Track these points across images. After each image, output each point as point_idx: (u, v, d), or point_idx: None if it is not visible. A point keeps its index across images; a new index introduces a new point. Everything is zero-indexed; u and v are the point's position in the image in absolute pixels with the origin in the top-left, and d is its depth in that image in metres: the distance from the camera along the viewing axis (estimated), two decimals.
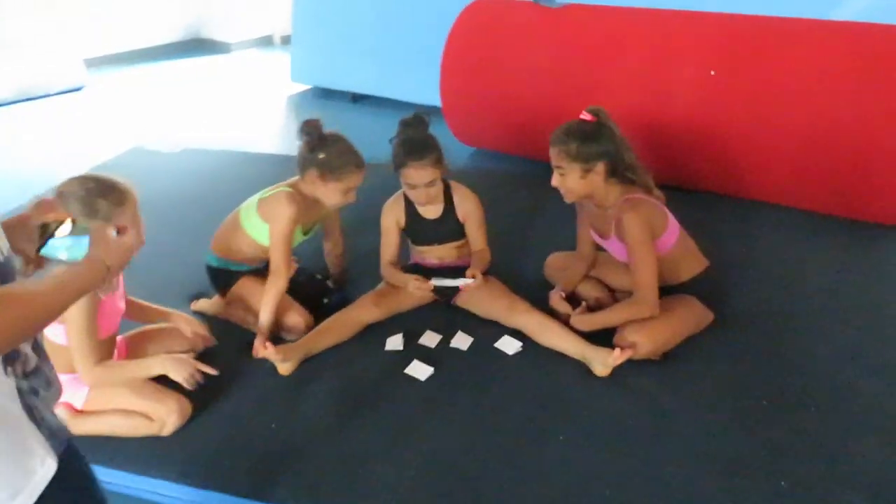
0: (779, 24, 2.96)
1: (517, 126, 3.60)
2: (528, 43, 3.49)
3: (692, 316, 2.16)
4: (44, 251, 1.10)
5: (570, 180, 2.07)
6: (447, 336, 2.24)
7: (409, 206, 2.33)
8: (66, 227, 1.12)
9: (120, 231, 1.14)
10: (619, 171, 2.07)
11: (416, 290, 2.18)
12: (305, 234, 2.35)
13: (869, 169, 2.69)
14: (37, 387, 0.98)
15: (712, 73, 2.90)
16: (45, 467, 0.96)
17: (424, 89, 4.23)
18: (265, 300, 2.16)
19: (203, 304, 2.45)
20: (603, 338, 2.10)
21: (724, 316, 2.24)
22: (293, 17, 5.33)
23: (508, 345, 2.18)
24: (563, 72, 3.33)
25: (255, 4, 6.98)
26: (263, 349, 2.04)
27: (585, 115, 2.08)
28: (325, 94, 5.37)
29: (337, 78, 5.21)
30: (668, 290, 2.16)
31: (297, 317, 2.25)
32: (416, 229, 2.38)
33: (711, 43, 3.00)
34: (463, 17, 3.72)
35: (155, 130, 4.60)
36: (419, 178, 2.19)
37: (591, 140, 2.03)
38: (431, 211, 2.34)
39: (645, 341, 2.03)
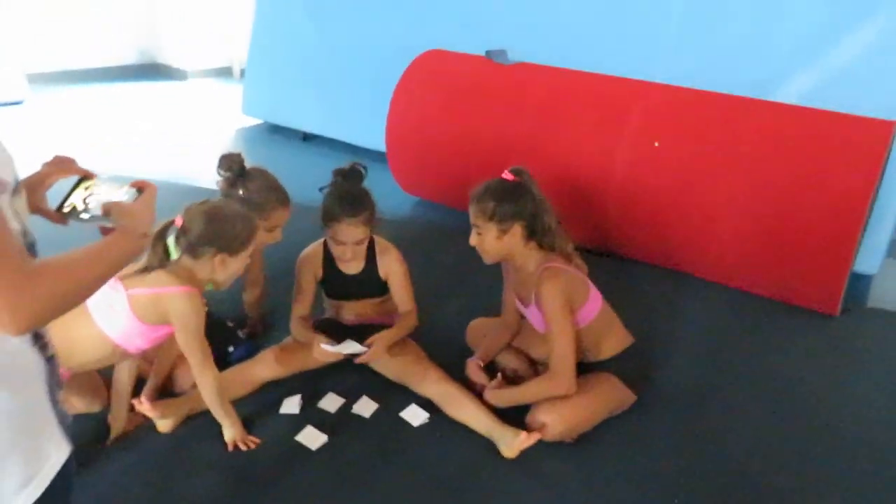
0: (724, 100, 2.94)
1: (460, 179, 3.45)
2: (476, 97, 3.43)
3: (611, 397, 2.04)
4: (66, 210, 1.07)
5: (486, 240, 1.98)
6: (351, 400, 2.08)
7: (329, 258, 2.19)
8: (87, 185, 1.10)
9: (142, 191, 1.08)
10: (537, 235, 1.97)
11: (320, 357, 2.03)
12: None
13: (801, 254, 2.64)
14: (53, 372, 0.97)
15: (656, 144, 2.85)
16: (60, 453, 0.97)
17: (373, 134, 4.14)
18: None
19: None
20: (518, 415, 1.96)
21: (645, 397, 2.12)
22: (250, 51, 5.23)
23: (414, 415, 2.02)
24: (510, 128, 3.27)
25: (216, 34, 6.87)
26: (139, 403, 1.85)
27: (507, 175, 1.98)
28: (276, 130, 5.25)
29: (288, 115, 5.11)
30: (587, 367, 2.04)
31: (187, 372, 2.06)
32: (334, 283, 2.23)
33: (656, 112, 2.97)
34: (414, 66, 3.65)
35: (90, 154, 4.39)
36: (349, 236, 2.05)
37: (509, 200, 1.93)
38: (352, 266, 2.20)
39: (557, 422, 1.90)
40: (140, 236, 1.02)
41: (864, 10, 3.11)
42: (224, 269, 1.79)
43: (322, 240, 2.21)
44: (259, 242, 2.01)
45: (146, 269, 1.74)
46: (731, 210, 2.75)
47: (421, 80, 3.61)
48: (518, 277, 2.08)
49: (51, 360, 0.96)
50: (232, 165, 2.10)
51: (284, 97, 5.06)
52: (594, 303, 2.02)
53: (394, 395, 2.11)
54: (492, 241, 1.96)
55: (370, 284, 2.23)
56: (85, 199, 1.08)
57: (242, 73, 6.94)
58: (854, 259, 2.79)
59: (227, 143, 5.08)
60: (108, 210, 1.04)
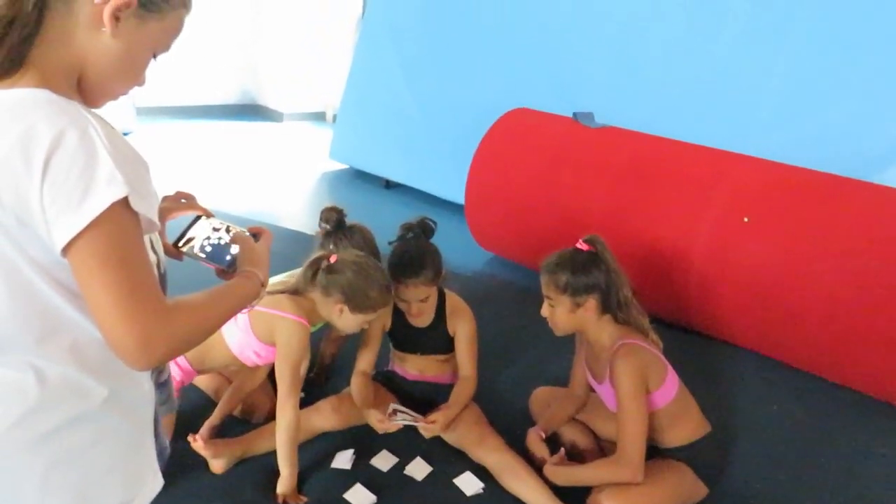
0: (823, 179, 2.79)
1: (537, 239, 3.45)
2: (560, 158, 3.39)
3: (681, 489, 1.89)
4: (184, 247, 1.11)
5: (558, 313, 1.91)
6: (404, 460, 2.02)
7: (398, 309, 2.17)
8: (205, 224, 1.14)
9: (258, 236, 1.12)
10: (611, 308, 1.88)
11: (378, 426, 1.99)
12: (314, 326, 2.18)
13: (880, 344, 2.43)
14: (162, 398, 1.01)
15: (745, 219, 2.72)
16: (155, 482, 0.99)
17: (454, 186, 4.17)
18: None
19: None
20: (578, 495, 1.85)
21: (719, 489, 1.96)
22: (343, 98, 5.41)
23: (468, 484, 1.94)
24: (591, 192, 3.20)
25: (314, 79, 7.15)
26: (193, 440, 1.85)
27: (581, 245, 1.92)
28: (360, 176, 5.36)
29: (373, 162, 5.21)
30: (658, 453, 1.91)
31: (263, 397, 2.08)
32: (402, 335, 2.21)
33: (747, 187, 2.84)
34: (500, 122, 3.66)
35: (181, 185, 4.59)
36: (411, 296, 2.03)
37: (583, 272, 1.86)
38: (421, 319, 2.16)
39: None
40: (259, 283, 1.04)
41: None
42: (339, 319, 1.89)
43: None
44: (351, 331, 2.00)
45: (293, 292, 1.88)
46: (824, 297, 2.57)
47: (506, 136, 3.61)
48: (591, 351, 1.99)
49: (163, 386, 1.01)
50: (330, 219, 2.13)
51: (371, 144, 5.18)
52: (671, 384, 1.91)
53: (449, 459, 2.04)
54: (564, 313, 1.90)
55: (437, 340, 2.19)
56: (206, 239, 1.12)
57: (335, 118, 7.20)
58: None
59: (313, 185, 5.22)
60: (240, 247, 1.08)
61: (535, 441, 2.05)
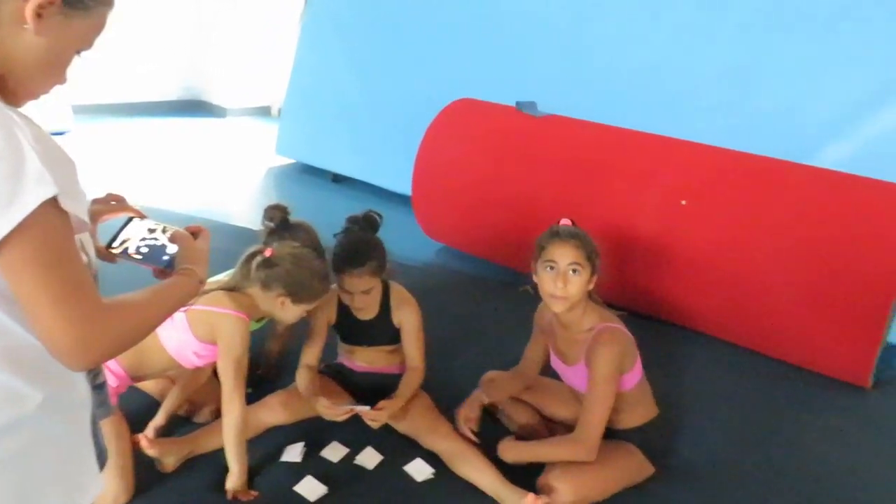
0: (758, 162, 2.88)
1: (484, 228, 3.49)
2: (504, 147, 3.43)
3: (629, 469, 1.94)
4: (118, 249, 1.09)
5: (579, 283, 1.85)
6: (355, 450, 2.02)
7: (343, 302, 2.17)
8: (139, 225, 1.12)
9: (196, 235, 1.12)
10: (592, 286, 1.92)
11: (325, 413, 1.99)
12: (258, 321, 2.15)
13: (832, 323, 2.54)
14: (99, 401, 0.99)
15: (683, 202, 2.80)
16: (95, 485, 0.98)
17: (402, 178, 4.17)
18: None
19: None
20: (528, 477, 1.89)
21: (664, 468, 2.02)
22: (287, 92, 5.35)
23: (418, 470, 1.96)
24: (536, 180, 3.25)
25: (257, 74, 7.04)
26: (138, 440, 1.83)
27: (567, 221, 1.94)
28: (308, 171, 5.31)
29: (320, 156, 5.17)
30: (608, 434, 1.93)
31: (207, 395, 2.07)
32: (348, 328, 2.20)
33: (686, 171, 2.92)
34: (444, 114, 3.68)
35: (122, 185, 4.48)
36: (354, 287, 2.03)
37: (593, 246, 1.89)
38: (366, 312, 2.16)
39: (569, 490, 1.81)
40: (198, 282, 1.04)
41: None
42: (282, 311, 1.87)
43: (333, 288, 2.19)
44: (292, 321, 1.99)
45: (230, 288, 1.86)
46: (761, 275, 2.67)
47: (450, 127, 3.63)
48: (564, 333, 1.98)
49: (99, 389, 0.99)
50: (274, 217, 2.11)
51: (318, 139, 5.14)
52: (639, 368, 1.96)
53: (400, 447, 2.05)
54: (583, 285, 1.86)
55: (383, 332, 2.19)
56: (142, 239, 1.10)
57: (280, 112, 7.11)
58: (888, 330, 2.68)
59: (259, 181, 5.16)
60: (179, 247, 1.07)
61: (472, 404, 2.09)
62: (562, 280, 1.84)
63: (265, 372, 2.37)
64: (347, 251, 2.02)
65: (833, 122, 3.24)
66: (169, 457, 1.87)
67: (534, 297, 3.23)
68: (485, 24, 4.23)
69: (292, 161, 5.49)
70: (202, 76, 7.10)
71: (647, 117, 3.41)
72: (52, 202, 0.78)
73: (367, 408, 1.99)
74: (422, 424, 2.07)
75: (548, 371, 2.17)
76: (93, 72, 6.19)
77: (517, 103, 3.51)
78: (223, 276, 2.11)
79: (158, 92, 6.91)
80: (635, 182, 2.98)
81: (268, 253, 1.84)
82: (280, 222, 2.11)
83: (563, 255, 1.85)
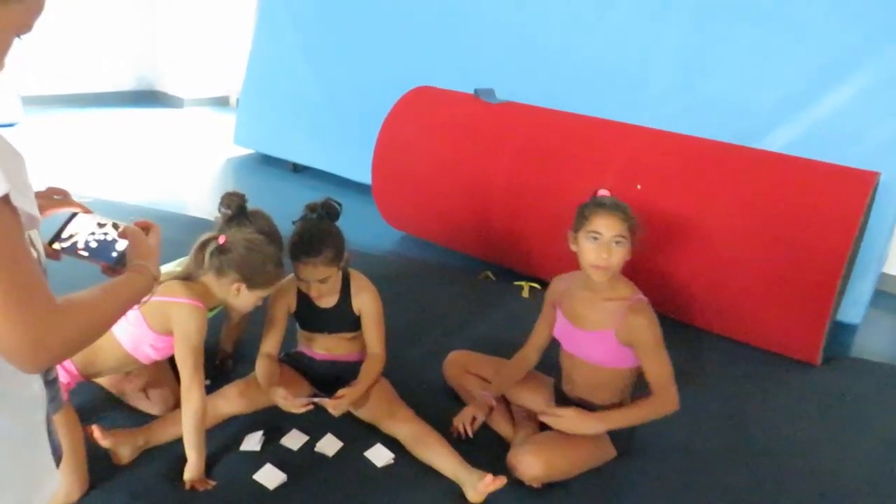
0: (707, 146, 2.95)
1: (443, 216, 3.51)
2: (462, 134, 3.44)
3: (596, 451, 1.97)
4: (60, 245, 1.06)
5: (621, 254, 1.87)
6: (315, 437, 2.02)
7: (303, 290, 2.16)
8: (86, 220, 1.10)
9: (146, 231, 1.11)
10: None
11: (282, 404, 1.97)
12: (211, 310, 2.14)
13: (782, 302, 2.62)
14: (50, 395, 0.97)
15: (638, 187, 2.84)
16: (52, 481, 0.97)
17: (362, 167, 4.16)
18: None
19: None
20: (487, 459, 1.92)
21: (628, 449, 2.06)
22: (244, 82, 5.28)
23: (379, 455, 1.97)
24: (493, 166, 3.26)
25: (215, 63, 6.93)
26: (91, 431, 1.80)
27: (606, 191, 1.97)
28: (266, 161, 5.27)
29: (279, 146, 5.13)
30: (585, 409, 1.96)
31: (162, 391, 2.04)
32: (307, 315, 2.19)
33: (640, 156, 2.96)
34: (402, 101, 3.67)
35: (75, 177, 4.39)
36: (310, 276, 2.01)
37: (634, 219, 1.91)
38: (326, 300, 2.16)
39: (537, 465, 1.85)
40: (152, 278, 1.03)
41: (849, 63, 3.15)
42: (237, 298, 1.86)
43: (291, 276, 2.17)
44: (247, 309, 1.97)
45: (184, 277, 1.83)
46: (713, 257, 2.73)
47: (408, 115, 3.63)
48: (592, 298, 1.95)
49: (51, 384, 0.96)
50: (231, 204, 2.07)
51: (276, 128, 5.09)
52: None
53: (360, 433, 2.06)
54: (625, 255, 1.88)
55: (343, 319, 2.19)
56: (90, 235, 1.08)
57: (238, 102, 7.01)
58: (836, 308, 2.77)
59: (217, 172, 5.09)
60: (129, 242, 1.06)
61: (482, 406, 2.10)
62: (606, 251, 1.84)
63: (222, 363, 2.36)
64: (303, 239, 2.00)
65: (780, 106, 3.33)
66: (124, 448, 1.84)
67: (494, 283, 3.30)
68: (442, 13, 4.23)
69: (251, 151, 5.43)
70: (158, 65, 6.96)
71: (602, 103, 3.46)
72: (3, 199, 0.76)
73: (325, 398, 1.99)
74: (381, 410, 2.08)
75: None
76: (43, 61, 6.04)
77: (475, 90, 3.52)
78: (175, 265, 2.08)
79: (112, 82, 6.75)
80: (590, 168, 3.02)
81: (221, 240, 1.82)
82: (237, 209, 2.08)
83: (609, 227, 1.86)
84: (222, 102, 7.18)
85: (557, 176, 3.08)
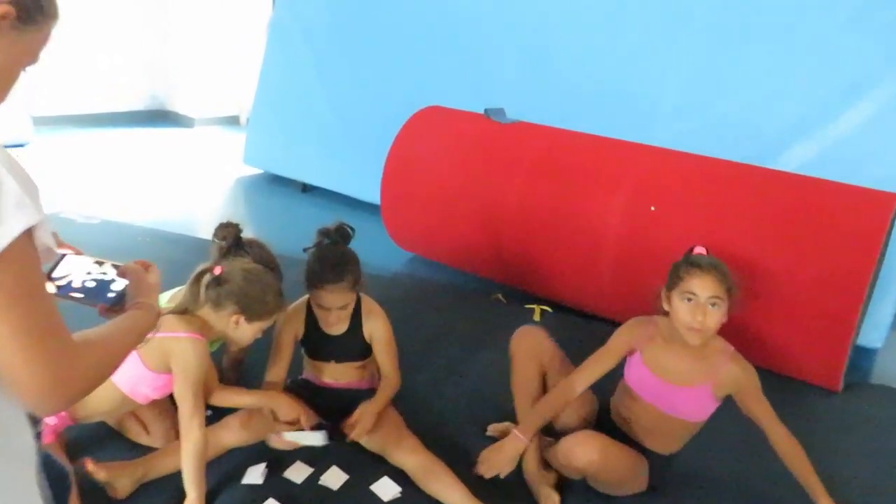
0: (723, 166, 2.88)
1: (453, 236, 3.45)
2: (472, 154, 3.39)
3: (637, 472, 1.90)
4: (56, 285, 1.03)
5: (717, 317, 1.75)
6: (319, 470, 1.96)
7: (311, 317, 2.10)
8: (80, 261, 1.07)
9: (146, 270, 1.10)
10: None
11: (274, 445, 1.92)
12: (211, 344, 2.08)
13: (802, 327, 2.54)
14: (36, 433, 0.94)
15: (652, 208, 2.78)
16: None
17: (372, 187, 4.12)
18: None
19: None
20: (496, 491, 1.85)
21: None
22: (255, 101, 5.27)
23: (385, 489, 1.90)
24: (504, 187, 3.21)
25: (225, 83, 6.95)
26: (87, 464, 1.75)
27: (702, 249, 1.85)
28: (276, 181, 5.25)
29: (289, 166, 5.10)
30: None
31: (163, 425, 1.98)
32: (315, 343, 2.13)
33: (653, 176, 2.90)
34: (412, 121, 3.63)
35: (83, 197, 4.38)
36: (332, 302, 1.96)
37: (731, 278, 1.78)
38: (336, 327, 2.09)
39: (594, 448, 1.77)
40: (156, 315, 1.02)
41: (866, 81, 3.09)
42: (236, 330, 1.80)
43: (305, 297, 2.11)
44: (247, 342, 1.91)
45: (181, 312, 1.78)
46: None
47: (418, 135, 3.59)
48: (682, 352, 1.83)
49: (37, 438, 0.93)
50: (227, 236, 2.03)
51: (286, 148, 5.07)
52: None
53: (365, 465, 1.99)
54: (722, 317, 1.77)
55: (353, 346, 2.13)
56: (87, 274, 1.05)
57: (248, 121, 7.02)
58: (857, 333, 2.68)
59: (226, 192, 5.07)
60: (129, 280, 1.05)
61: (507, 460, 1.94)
62: (701, 313, 1.74)
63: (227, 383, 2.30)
64: (325, 265, 1.95)
65: (795, 125, 3.26)
66: (120, 480, 1.79)
67: (505, 306, 3.23)
68: (453, 32, 4.20)
69: (260, 171, 5.42)
70: (168, 85, 6.99)
71: (615, 123, 3.41)
72: (28, 232, 0.74)
73: (320, 438, 1.92)
74: (389, 439, 2.01)
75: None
76: (53, 81, 6.07)
77: (485, 110, 3.49)
78: (166, 301, 2.04)
79: (122, 102, 6.79)
80: (603, 188, 2.96)
81: (217, 270, 1.77)
82: (233, 240, 2.04)
83: (704, 288, 1.75)
84: (233, 122, 7.19)
85: (570, 196, 3.03)
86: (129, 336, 0.94)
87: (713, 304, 1.74)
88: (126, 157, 5.67)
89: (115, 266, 1.07)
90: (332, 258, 1.96)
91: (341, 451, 2.01)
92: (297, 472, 1.94)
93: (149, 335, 0.99)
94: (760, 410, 1.81)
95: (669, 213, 2.77)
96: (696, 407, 1.84)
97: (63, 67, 6.13)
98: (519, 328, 2.16)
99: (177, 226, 3.93)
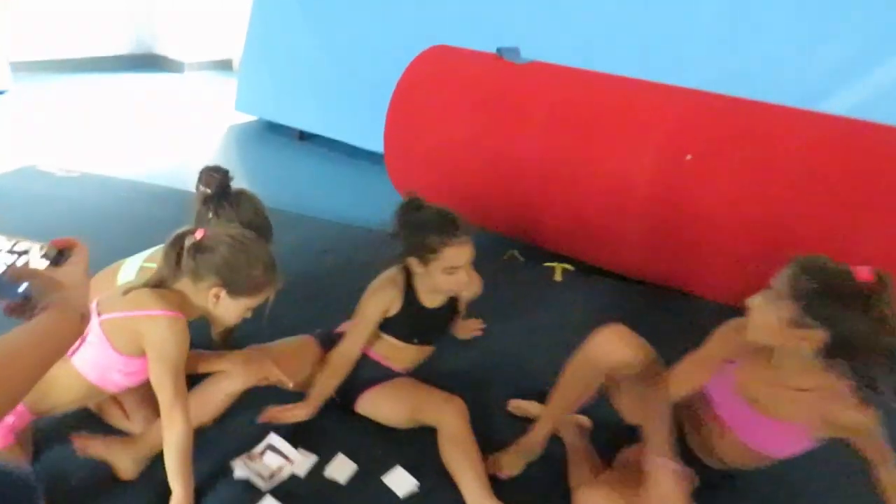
0: (765, 110, 2.59)
1: (465, 189, 3.17)
2: (484, 98, 3.08)
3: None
4: None
5: (770, 316, 1.38)
6: (324, 458, 1.73)
7: (411, 290, 1.84)
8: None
9: (65, 253, 0.85)
10: (836, 356, 1.35)
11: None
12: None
13: None
14: None
15: (688, 157, 2.49)
16: None
17: (375, 135, 3.84)
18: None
19: None
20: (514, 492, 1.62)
21: None
22: (245, 44, 4.93)
23: (400, 482, 1.67)
24: (520, 135, 2.92)
25: (217, 24, 6.55)
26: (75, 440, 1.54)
27: (864, 271, 1.30)
28: (271, 128, 4.95)
29: (285, 112, 4.79)
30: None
31: (144, 410, 1.73)
32: (410, 320, 1.85)
33: (688, 122, 2.61)
34: (416, 63, 3.31)
35: (63, 148, 4.08)
36: (467, 256, 1.70)
37: (836, 304, 1.30)
38: (436, 298, 1.86)
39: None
40: (79, 317, 0.81)
41: None
42: (217, 308, 1.53)
43: (396, 269, 1.84)
44: (232, 322, 1.59)
45: (155, 285, 1.50)
46: (772, 234, 2.39)
47: (424, 78, 3.28)
48: (777, 378, 1.45)
49: None
50: (211, 183, 1.76)
51: (281, 93, 4.75)
52: None
53: (375, 451, 1.76)
54: (775, 321, 1.38)
55: (449, 319, 1.96)
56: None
57: (241, 64, 6.65)
58: None
59: (218, 141, 4.76)
60: (31, 281, 0.79)
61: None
62: (754, 299, 1.43)
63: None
64: (445, 217, 1.70)
65: (842, 65, 2.96)
66: (123, 460, 1.58)
67: (522, 264, 2.98)
68: None
69: (254, 118, 5.11)
70: (157, 28, 6.58)
71: (643, 62, 3.10)
72: None
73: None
74: (434, 395, 1.79)
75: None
76: (33, 25, 5.69)
77: (498, 49, 3.17)
78: (155, 251, 1.77)
79: (107, 46, 6.39)
80: (631, 135, 2.67)
81: (198, 235, 1.51)
82: (218, 189, 1.76)
83: (781, 280, 1.40)
84: (225, 66, 6.83)
85: (593, 145, 2.74)
86: (40, 350, 0.73)
87: (765, 293, 1.41)
88: (110, 105, 5.33)
89: (24, 250, 0.81)
90: (441, 213, 1.72)
91: (353, 434, 1.79)
92: (299, 462, 1.71)
93: (74, 346, 0.81)
94: (874, 446, 1.43)
95: (708, 162, 2.48)
96: (786, 444, 1.50)
97: (43, 10, 5.74)
98: (605, 328, 1.61)
99: (164, 178, 3.63)
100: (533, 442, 1.70)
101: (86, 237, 0.90)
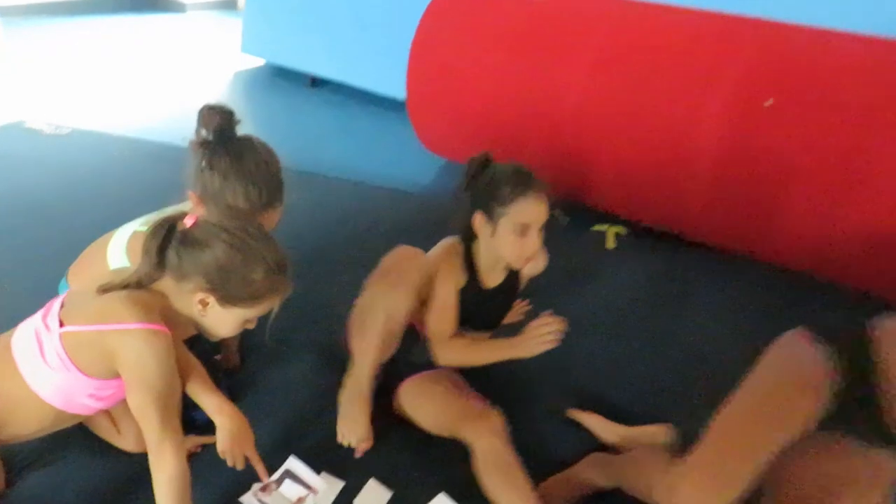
0: (857, 44, 2.19)
1: (498, 139, 2.81)
2: (519, 36, 2.71)
3: None
4: None
5: None
6: (352, 484, 1.44)
7: (470, 266, 1.59)
8: None
9: None
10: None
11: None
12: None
13: None
14: None
15: (769, 102, 2.12)
16: None
17: (393, 80, 3.49)
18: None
19: None
20: None
21: None
22: None
23: None
24: (561, 77, 2.55)
25: None
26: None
27: None
28: (280, 73, 4.60)
29: (295, 56, 4.42)
30: None
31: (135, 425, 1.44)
32: (468, 303, 1.60)
33: (763, 60, 2.23)
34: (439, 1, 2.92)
35: (53, 102, 3.74)
36: (539, 213, 1.50)
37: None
38: (495, 275, 1.62)
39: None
40: None
41: None
42: (204, 317, 1.22)
43: (454, 239, 1.60)
44: (227, 335, 1.29)
45: (134, 285, 1.19)
46: (869, 194, 2.04)
47: (450, 13, 2.90)
48: None
49: None
50: (210, 125, 1.40)
51: (290, 35, 4.39)
52: None
53: (412, 473, 1.48)
54: None
55: (507, 303, 1.72)
56: None
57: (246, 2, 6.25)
58: None
59: (223, 88, 4.40)
60: None
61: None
62: None
63: (226, 361, 1.77)
64: (519, 170, 1.51)
65: None
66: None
67: (565, 227, 2.63)
68: None
69: (262, 62, 4.74)
70: None
71: None
72: None
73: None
74: (470, 408, 1.51)
75: None
76: None
77: None
78: (150, 218, 1.45)
79: None
80: (696, 78, 2.30)
81: (189, 222, 1.18)
82: (218, 133, 1.41)
83: None
84: (230, 5, 6.44)
85: (649, 90, 2.37)
86: None
87: None
88: (105, 51, 4.96)
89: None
90: (520, 165, 1.53)
91: (377, 453, 1.49)
92: (325, 491, 1.42)
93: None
94: None
95: (792, 109, 2.11)
96: None
97: None
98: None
99: (162, 133, 3.29)
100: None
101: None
